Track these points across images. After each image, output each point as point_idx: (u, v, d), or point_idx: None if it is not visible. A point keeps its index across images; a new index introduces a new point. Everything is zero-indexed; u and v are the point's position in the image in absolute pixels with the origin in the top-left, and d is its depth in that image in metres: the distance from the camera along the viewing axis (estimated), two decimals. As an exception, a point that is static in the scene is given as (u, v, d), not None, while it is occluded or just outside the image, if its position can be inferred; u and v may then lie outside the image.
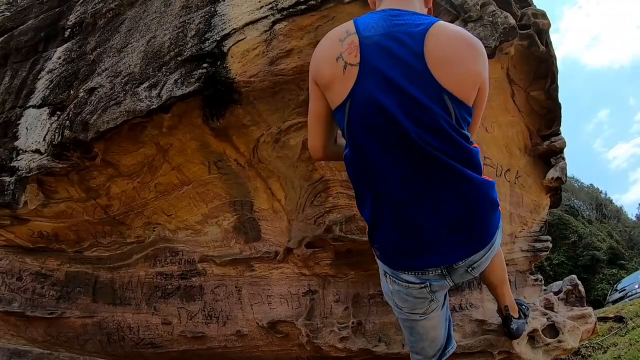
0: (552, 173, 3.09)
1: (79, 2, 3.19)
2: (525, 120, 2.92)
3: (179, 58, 2.25)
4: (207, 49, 2.17)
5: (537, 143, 3.10)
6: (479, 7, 1.96)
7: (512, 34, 2.05)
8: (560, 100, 2.84)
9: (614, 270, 19.99)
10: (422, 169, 1.34)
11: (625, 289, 13.55)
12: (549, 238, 3.27)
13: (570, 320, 2.68)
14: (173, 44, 2.31)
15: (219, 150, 2.39)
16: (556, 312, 2.64)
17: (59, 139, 2.52)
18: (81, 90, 2.58)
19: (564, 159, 3.20)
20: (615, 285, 15.96)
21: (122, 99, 2.33)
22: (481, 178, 1.41)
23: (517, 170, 2.92)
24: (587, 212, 31.12)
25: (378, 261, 1.64)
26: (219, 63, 2.14)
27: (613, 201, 36.45)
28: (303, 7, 2.02)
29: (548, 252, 3.20)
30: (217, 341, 2.59)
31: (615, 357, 4.42)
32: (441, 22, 1.41)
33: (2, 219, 2.84)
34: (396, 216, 1.41)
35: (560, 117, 3.27)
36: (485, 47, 1.79)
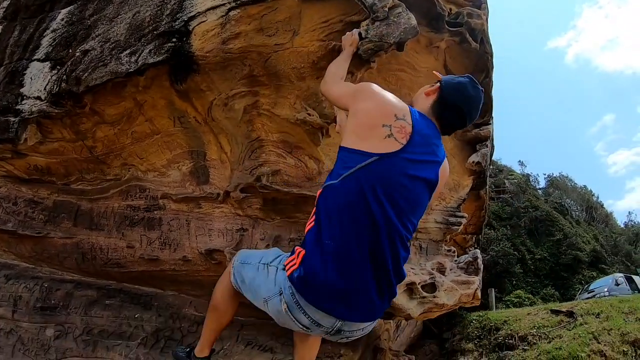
0: (474, 157, 3.62)
1: (84, -30, 3.72)
2: None
3: (155, 32, 2.81)
4: (176, 26, 2.72)
5: (467, 130, 3.61)
6: (386, 9, 2.35)
7: (412, 32, 2.36)
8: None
9: (593, 273, 20.45)
10: (391, 249, 1.66)
11: (594, 291, 14.07)
12: (465, 215, 3.79)
13: (453, 283, 3.24)
14: (152, 20, 2.87)
15: (182, 108, 2.96)
16: (443, 275, 3.21)
17: (57, 89, 3.09)
18: (78, 50, 3.14)
19: (487, 146, 3.71)
20: (586, 286, 16.43)
21: (108, 61, 2.90)
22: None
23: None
24: (577, 213, 31.29)
25: (281, 285, 1.74)
26: (184, 39, 2.70)
27: (604, 206, 36.75)
28: None
29: (461, 226, 3.72)
30: (168, 264, 3.20)
31: (556, 348, 4.86)
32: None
33: (4, 152, 3.43)
34: (357, 265, 1.60)
35: (492, 108, 3.76)
36: (384, 42, 2.34)
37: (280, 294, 1.71)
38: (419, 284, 2.99)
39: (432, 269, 3.26)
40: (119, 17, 3.08)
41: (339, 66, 2.24)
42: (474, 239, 5.39)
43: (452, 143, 3.48)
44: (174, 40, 2.72)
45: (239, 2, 2.58)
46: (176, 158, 3.15)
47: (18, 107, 3.28)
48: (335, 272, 1.58)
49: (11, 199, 3.67)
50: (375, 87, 1.84)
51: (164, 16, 2.83)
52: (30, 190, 3.65)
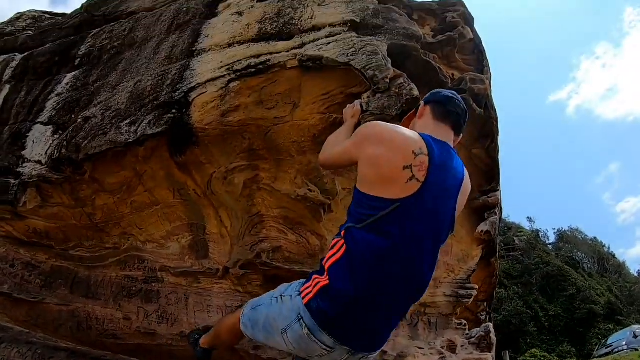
0: (483, 226, 3.42)
1: (91, 35, 3.74)
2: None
3: (155, 102, 2.74)
4: (176, 97, 2.66)
5: (475, 197, 3.44)
6: (387, 80, 2.28)
7: (415, 103, 2.25)
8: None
9: (610, 326, 19.91)
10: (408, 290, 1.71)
11: (612, 345, 13.52)
12: (475, 287, 3.58)
13: (464, 363, 3.01)
14: (153, 90, 2.81)
15: (182, 180, 2.86)
16: (454, 354, 2.99)
17: (57, 155, 3.03)
18: (80, 116, 3.09)
19: (496, 214, 3.53)
20: (604, 341, 15.82)
21: (108, 130, 2.83)
22: None
23: None
24: (588, 265, 30.97)
25: (299, 310, 1.70)
26: (184, 110, 2.63)
27: (616, 256, 36.01)
28: (253, 70, 2.50)
29: (471, 299, 3.51)
30: (165, 339, 3.03)
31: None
32: (464, 168, 1.89)
33: (4, 213, 3.36)
34: (378, 311, 1.63)
35: (499, 174, 3.60)
36: (386, 115, 2.23)
37: (300, 319, 1.66)
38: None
39: (442, 348, 3.05)
40: (122, 85, 3.04)
41: (339, 136, 2.13)
42: (485, 303, 5.13)
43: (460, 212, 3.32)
44: (174, 111, 2.65)
45: (238, 73, 2.53)
46: (176, 230, 3.04)
47: (19, 169, 3.23)
48: (355, 315, 1.59)
49: (9, 260, 3.58)
50: (381, 126, 1.74)
51: (164, 86, 2.77)
52: (28, 253, 3.55)
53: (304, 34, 2.55)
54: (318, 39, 2.47)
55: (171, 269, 3.05)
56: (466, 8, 3.17)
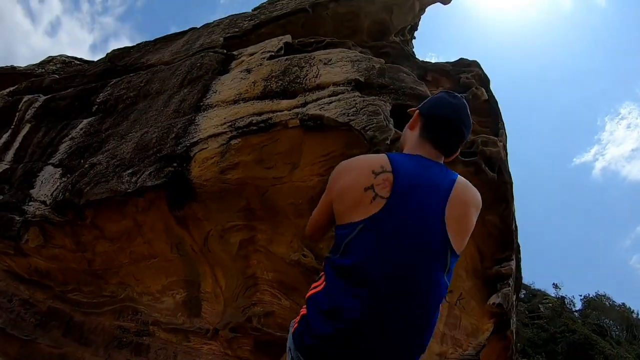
0: (494, 298, 3.18)
1: (111, 83, 3.82)
2: (479, 244, 3.02)
3: (158, 154, 2.73)
4: (178, 151, 2.64)
5: (488, 267, 3.24)
6: (388, 142, 2.21)
7: None
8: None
9: None
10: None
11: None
12: None
13: None
14: (157, 142, 2.80)
15: (180, 235, 2.81)
16: None
17: (61, 198, 3.03)
18: (87, 162, 3.11)
19: (509, 285, 3.30)
20: None
21: (110, 178, 2.83)
22: None
23: (460, 292, 3.06)
24: (617, 332, 29.34)
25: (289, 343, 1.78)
26: (184, 165, 2.59)
27: None
28: (255, 127, 2.46)
29: None
30: (151, 397, 2.92)
31: None
32: (460, 178, 1.56)
33: (8, 248, 3.36)
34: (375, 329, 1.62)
35: (513, 242, 3.38)
36: None
37: (289, 350, 1.50)
38: None
39: None
40: (130, 134, 3.05)
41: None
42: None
43: (471, 282, 3.11)
44: (175, 164, 2.62)
45: (240, 131, 2.50)
46: (171, 285, 2.97)
47: (24, 207, 3.24)
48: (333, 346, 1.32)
49: (8, 295, 3.56)
50: (343, 162, 1.55)
51: (168, 139, 2.76)
52: (27, 290, 3.53)
53: (307, 93, 2.52)
54: (321, 98, 2.44)
55: (163, 324, 2.96)
56: (481, 69, 3.09)
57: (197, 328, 2.80)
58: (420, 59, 3.22)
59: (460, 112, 1.61)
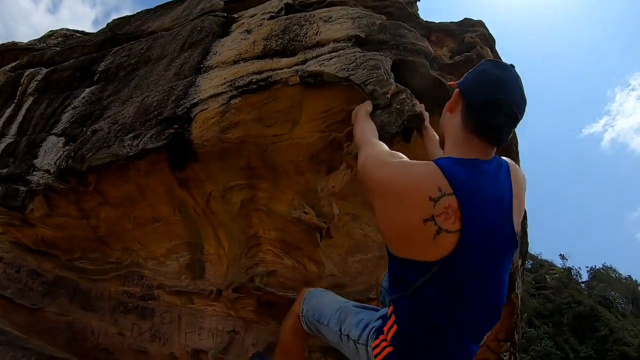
0: None
1: (112, 52, 3.82)
2: None
3: (159, 117, 2.72)
4: (179, 113, 2.63)
5: None
6: (388, 95, 2.13)
7: (417, 121, 2.13)
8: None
9: None
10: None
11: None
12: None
13: None
14: (158, 105, 2.80)
15: (182, 197, 2.81)
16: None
17: (65, 165, 3.04)
18: (89, 129, 3.11)
19: None
20: None
21: (112, 143, 2.83)
22: None
23: None
24: (622, 305, 29.24)
25: None
26: (185, 126, 2.59)
27: None
28: (254, 86, 2.44)
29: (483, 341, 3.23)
30: (156, 358, 2.95)
31: None
32: (510, 164, 1.46)
33: (14, 220, 3.40)
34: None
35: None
36: (385, 132, 2.04)
37: None
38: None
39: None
40: (131, 100, 3.05)
41: (365, 129, 1.79)
42: (508, 343, 4.80)
43: None
44: (176, 126, 2.62)
45: (240, 90, 2.49)
46: (175, 248, 2.98)
47: (28, 177, 3.27)
48: None
49: (15, 266, 3.60)
50: (392, 173, 1.32)
51: (169, 102, 2.75)
52: (35, 260, 3.57)
53: (307, 50, 2.48)
54: (321, 55, 2.40)
55: (167, 287, 2.98)
56: (486, 28, 3.03)
57: (200, 290, 2.81)
58: (424, 20, 3.16)
59: (511, 90, 1.35)
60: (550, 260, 32.18)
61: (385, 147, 1.54)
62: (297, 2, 3.08)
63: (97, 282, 3.35)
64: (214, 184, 2.64)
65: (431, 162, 1.30)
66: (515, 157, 3.02)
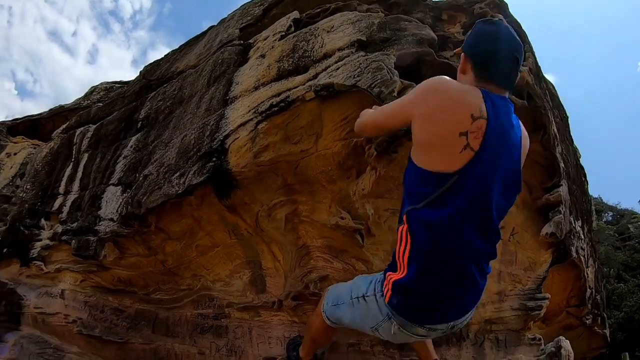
0: (546, 229, 3.04)
1: (149, 98, 4.13)
2: (525, 175, 3.06)
3: (198, 153, 2.96)
4: (215, 146, 2.85)
5: (537, 197, 3.19)
6: (395, 94, 2.21)
7: None
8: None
9: None
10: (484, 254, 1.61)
11: None
12: (547, 296, 3.20)
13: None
14: (196, 142, 3.04)
15: (233, 221, 3.04)
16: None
17: (125, 212, 3.36)
18: (141, 175, 3.42)
19: (561, 212, 3.22)
20: None
21: (162, 184, 3.10)
22: None
23: (512, 227, 3.05)
24: None
25: (386, 310, 1.69)
26: (222, 157, 2.81)
27: None
28: (276, 108, 2.60)
29: (542, 310, 3.18)
30: (235, 371, 3.21)
31: None
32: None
33: (91, 267, 3.79)
34: (450, 276, 1.55)
35: (560, 168, 3.27)
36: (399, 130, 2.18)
37: (390, 318, 1.67)
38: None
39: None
40: (172, 141, 3.32)
41: (369, 110, 2.04)
42: (590, 305, 4.65)
43: (523, 215, 3.07)
44: (214, 159, 2.84)
45: (264, 114, 2.65)
46: (237, 268, 3.23)
47: (96, 227, 3.63)
48: (431, 293, 1.56)
49: (99, 307, 4.00)
50: (444, 85, 1.55)
51: (204, 137, 2.98)
52: (116, 299, 3.95)
53: (317, 64, 2.60)
54: (329, 66, 2.51)
55: (235, 305, 3.24)
56: (495, -7, 2.99)
57: (264, 302, 3.04)
58: (433, 1, 3.16)
59: (505, 38, 1.58)
60: (630, 208, 30.18)
61: None
62: (304, 15, 3.19)
63: (174, 309, 3.66)
64: (259, 205, 2.84)
65: (476, 87, 1.55)
66: (547, 122, 2.98)
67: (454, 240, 1.51)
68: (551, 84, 4.04)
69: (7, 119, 6.16)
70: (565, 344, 2.86)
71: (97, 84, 5.84)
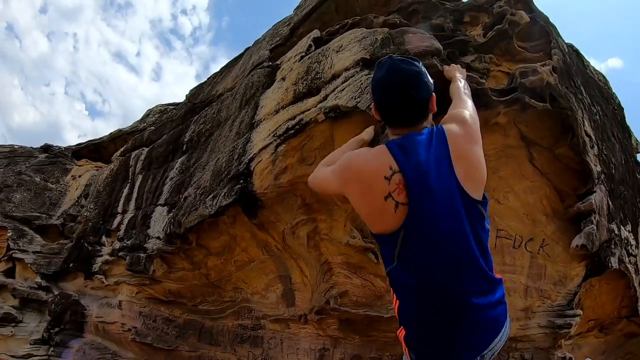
0: (576, 240, 2.83)
1: (192, 121, 4.42)
2: (554, 182, 2.83)
3: (228, 176, 3.16)
4: (241, 169, 3.04)
5: (569, 205, 2.87)
6: None
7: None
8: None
9: None
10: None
11: None
12: (579, 313, 3.03)
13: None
14: (226, 165, 3.25)
15: (264, 239, 3.22)
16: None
17: (169, 231, 3.65)
18: (182, 196, 3.70)
19: (592, 222, 2.81)
20: None
21: (198, 206, 3.34)
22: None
23: (542, 239, 2.90)
24: None
25: None
26: (248, 179, 2.99)
27: None
28: (292, 131, 2.73)
29: (572, 328, 2.98)
30: (269, 378, 3.38)
31: None
32: (447, 127, 1.53)
33: (144, 280, 4.13)
34: (444, 324, 1.48)
35: (593, 172, 2.88)
36: None
37: None
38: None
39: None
40: (208, 164, 3.56)
41: (334, 155, 1.85)
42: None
43: (554, 225, 2.84)
44: (241, 181, 3.02)
45: (282, 137, 2.79)
46: (271, 282, 3.41)
47: (145, 245, 3.97)
48: (435, 342, 1.51)
49: (152, 317, 4.34)
50: (350, 163, 1.54)
51: (234, 160, 3.18)
52: (167, 310, 4.27)
53: (327, 85, 2.66)
54: (337, 88, 2.56)
55: (270, 317, 3.42)
56: (515, -11, 2.77)
57: (292, 315, 3.19)
58: (454, 3, 3.05)
59: (389, 79, 1.52)
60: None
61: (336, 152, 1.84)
62: (324, 34, 3.23)
63: (218, 320, 3.91)
64: (284, 223, 2.99)
65: (382, 145, 1.50)
66: (575, 124, 2.77)
67: (434, 292, 1.46)
68: (601, 74, 3.74)
69: (72, 145, 6.79)
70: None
71: (153, 106, 6.30)
